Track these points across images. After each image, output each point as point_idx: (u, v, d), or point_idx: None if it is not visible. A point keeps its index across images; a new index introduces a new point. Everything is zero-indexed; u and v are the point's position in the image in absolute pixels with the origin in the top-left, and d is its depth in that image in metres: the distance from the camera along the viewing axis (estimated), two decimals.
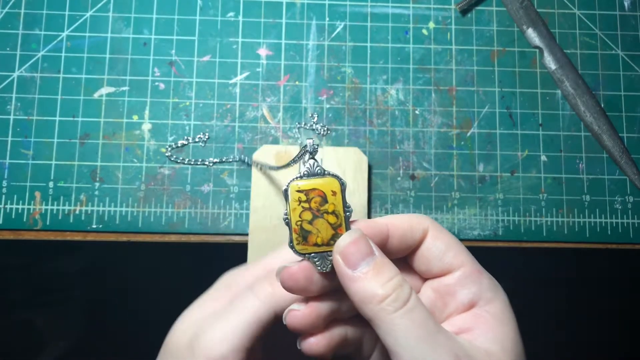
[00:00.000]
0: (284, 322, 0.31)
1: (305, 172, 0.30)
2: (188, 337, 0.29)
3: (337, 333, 0.31)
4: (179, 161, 0.52)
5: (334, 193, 0.29)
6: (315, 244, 0.29)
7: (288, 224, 0.29)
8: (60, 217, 0.50)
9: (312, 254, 0.30)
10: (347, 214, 0.30)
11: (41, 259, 0.86)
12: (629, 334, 0.89)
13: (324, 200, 0.29)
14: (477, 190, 0.53)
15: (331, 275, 0.30)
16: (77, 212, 0.50)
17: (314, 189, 0.29)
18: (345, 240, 0.29)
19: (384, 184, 0.52)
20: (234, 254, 0.47)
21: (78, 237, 0.51)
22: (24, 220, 0.50)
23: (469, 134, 0.53)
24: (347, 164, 0.50)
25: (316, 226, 0.29)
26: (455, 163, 0.53)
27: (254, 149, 0.52)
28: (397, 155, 0.53)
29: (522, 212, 0.52)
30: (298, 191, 0.29)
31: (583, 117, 0.53)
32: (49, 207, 0.50)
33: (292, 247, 0.30)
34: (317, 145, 0.30)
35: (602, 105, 0.54)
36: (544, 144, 0.54)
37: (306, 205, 0.29)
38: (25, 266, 0.87)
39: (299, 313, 0.30)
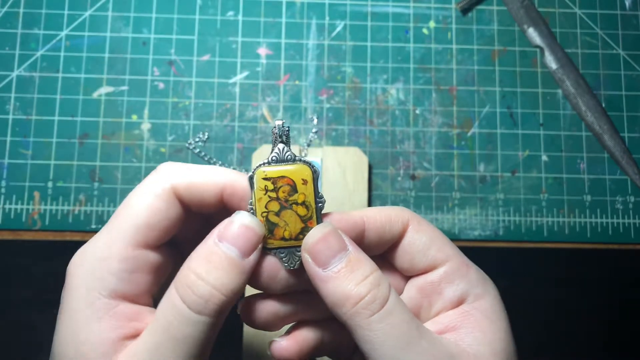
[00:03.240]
0: (237, 312, 0.29)
1: (274, 158, 0.27)
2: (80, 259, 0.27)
3: (310, 337, 0.29)
4: (201, 155, 0.51)
5: (305, 182, 0.27)
6: (283, 238, 0.27)
7: (253, 215, 0.26)
8: (59, 217, 0.50)
9: (279, 249, 0.27)
10: (319, 205, 0.27)
11: (40, 259, 0.86)
12: (629, 334, 0.88)
13: (293, 189, 0.26)
14: (478, 191, 0.52)
15: (300, 272, 0.27)
16: (76, 212, 0.50)
17: (282, 177, 0.26)
18: (314, 235, 0.26)
19: (384, 184, 0.52)
20: None
21: (77, 237, 0.50)
22: (23, 220, 0.50)
23: (469, 134, 0.53)
24: (347, 164, 0.50)
25: (284, 218, 0.26)
26: (456, 163, 0.53)
27: (253, 148, 0.52)
28: (398, 155, 0.53)
29: (523, 212, 0.52)
30: (265, 179, 0.26)
31: (584, 116, 0.53)
32: (48, 207, 0.50)
33: None
34: (288, 127, 0.27)
35: (603, 105, 0.54)
36: (544, 144, 0.53)
37: (273, 194, 0.26)
38: (24, 266, 0.87)
39: (254, 308, 0.28)
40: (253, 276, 0.27)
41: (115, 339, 0.25)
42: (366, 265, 0.26)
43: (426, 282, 0.29)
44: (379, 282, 0.25)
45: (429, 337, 0.25)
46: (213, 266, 0.24)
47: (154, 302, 0.27)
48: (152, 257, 0.27)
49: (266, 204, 0.26)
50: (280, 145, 0.27)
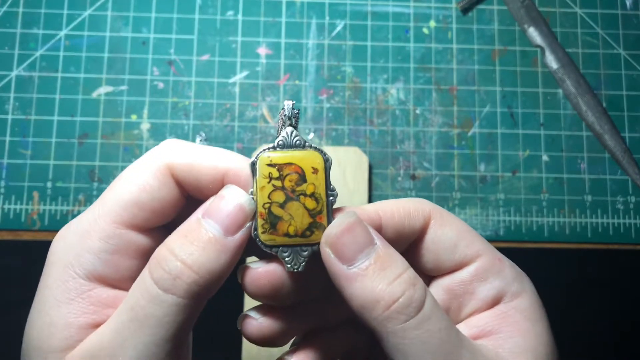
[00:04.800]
0: (238, 327, 0.25)
1: (281, 143, 0.24)
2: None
3: (321, 349, 0.26)
4: None
5: (315, 171, 0.23)
6: (287, 234, 0.23)
7: (241, 190, 0.23)
8: (58, 217, 0.50)
9: (282, 247, 0.23)
10: (331, 199, 0.23)
11: (40, 260, 0.86)
12: (630, 334, 0.88)
13: (302, 178, 0.23)
14: (478, 191, 0.52)
15: (304, 277, 0.24)
16: (75, 212, 0.50)
17: (289, 164, 0.23)
18: (338, 225, 0.22)
19: (385, 184, 0.52)
20: None
21: None
22: (22, 220, 0.50)
23: (469, 134, 0.53)
24: (347, 164, 0.50)
25: (289, 211, 0.23)
26: (456, 163, 0.53)
27: (253, 148, 0.52)
28: (398, 155, 0.53)
29: (524, 212, 0.52)
30: (269, 165, 0.23)
31: (584, 116, 0.53)
32: (47, 207, 0.50)
33: (255, 236, 0.23)
34: (298, 110, 0.24)
35: (604, 105, 0.54)
36: (545, 144, 0.53)
37: (278, 183, 0.23)
38: (24, 266, 0.87)
39: (256, 323, 0.25)
40: (256, 286, 0.24)
41: (83, 324, 0.22)
42: (398, 261, 0.22)
43: (455, 282, 0.25)
44: (414, 281, 0.22)
45: (470, 347, 0.22)
46: (188, 241, 0.22)
47: None
48: (139, 240, 0.24)
49: (270, 193, 0.23)
50: (289, 129, 0.24)
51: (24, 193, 0.50)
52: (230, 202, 0.23)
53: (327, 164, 0.24)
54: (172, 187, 0.24)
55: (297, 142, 0.24)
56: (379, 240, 0.23)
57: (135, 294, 0.22)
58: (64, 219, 0.50)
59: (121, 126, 0.52)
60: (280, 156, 0.23)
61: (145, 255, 0.24)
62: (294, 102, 0.24)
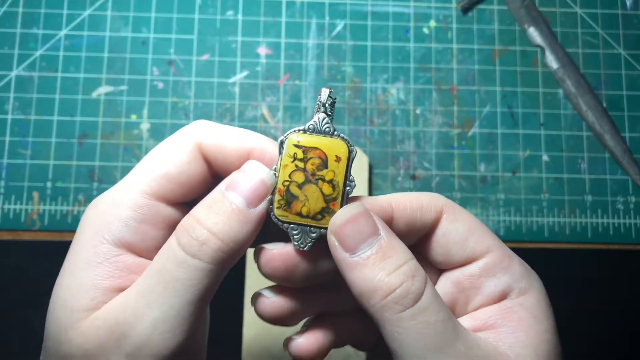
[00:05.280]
0: (251, 305, 0.27)
1: (311, 127, 0.25)
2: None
3: (330, 331, 0.27)
4: None
5: (338, 159, 0.24)
6: (299, 214, 0.24)
7: (263, 165, 0.25)
8: (58, 218, 0.50)
9: (292, 225, 0.24)
10: (348, 189, 0.25)
11: (40, 260, 0.86)
12: (630, 334, 0.88)
13: (324, 164, 0.24)
14: (479, 191, 0.52)
15: (311, 257, 0.25)
16: (75, 212, 0.50)
17: (314, 148, 0.24)
18: (342, 216, 0.23)
19: (385, 184, 0.52)
20: None
21: None
22: (22, 220, 0.50)
23: (470, 134, 0.53)
24: None
25: (305, 192, 0.24)
26: (456, 163, 0.53)
27: None
28: (398, 155, 0.52)
29: (524, 212, 0.52)
30: (296, 146, 0.24)
31: (585, 116, 0.53)
32: (47, 207, 0.50)
33: (270, 209, 0.25)
34: (335, 98, 0.25)
35: (604, 105, 0.54)
36: (545, 144, 0.53)
37: (301, 164, 0.24)
38: (23, 266, 0.87)
39: (269, 301, 0.26)
40: (270, 267, 0.25)
41: (109, 287, 0.23)
42: (400, 253, 0.23)
43: (463, 276, 0.26)
44: (414, 273, 0.23)
45: (467, 339, 0.23)
46: (213, 211, 0.23)
47: None
48: (166, 211, 0.25)
49: (291, 173, 0.24)
50: (321, 115, 0.25)
51: (24, 193, 0.50)
52: (253, 176, 0.24)
53: (351, 154, 0.25)
54: (200, 163, 0.25)
55: (327, 129, 0.25)
56: (383, 231, 0.23)
57: (162, 259, 0.23)
58: (64, 219, 0.50)
59: (121, 126, 0.52)
60: (307, 139, 0.25)
61: (171, 228, 0.25)
62: (332, 89, 0.26)
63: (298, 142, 0.25)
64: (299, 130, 0.25)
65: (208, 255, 0.23)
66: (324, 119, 0.25)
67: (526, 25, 0.55)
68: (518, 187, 0.52)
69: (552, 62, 0.54)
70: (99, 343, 0.22)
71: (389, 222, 0.25)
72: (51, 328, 0.24)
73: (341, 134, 0.25)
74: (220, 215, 0.23)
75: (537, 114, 0.54)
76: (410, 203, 0.26)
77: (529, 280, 0.25)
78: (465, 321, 0.25)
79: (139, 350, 0.22)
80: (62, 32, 0.53)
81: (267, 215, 0.25)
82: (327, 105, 0.25)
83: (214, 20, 0.54)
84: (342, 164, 0.24)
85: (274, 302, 0.26)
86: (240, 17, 0.54)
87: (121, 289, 0.24)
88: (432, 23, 0.55)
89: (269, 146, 0.25)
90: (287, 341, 0.27)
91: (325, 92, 0.25)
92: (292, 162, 0.24)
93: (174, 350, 0.22)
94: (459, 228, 0.26)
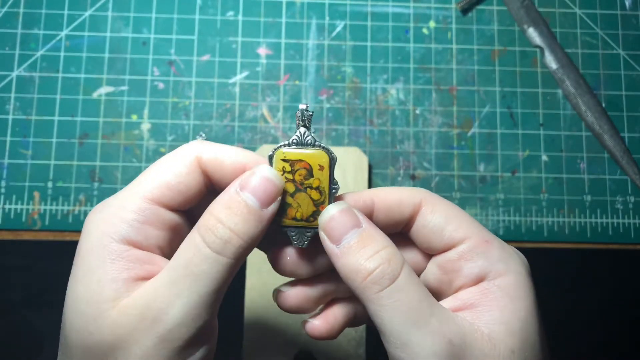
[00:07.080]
0: (273, 300, 0.31)
1: (294, 140, 0.28)
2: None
3: (341, 313, 0.31)
4: None
5: (321, 167, 0.28)
6: (294, 219, 0.28)
7: (272, 169, 0.28)
8: (59, 218, 0.50)
9: (290, 228, 0.28)
10: (333, 191, 0.28)
11: (40, 260, 0.86)
12: (629, 334, 0.88)
13: (309, 173, 0.28)
14: (478, 191, 0.52)
15: (310, 253, 0.29)
16: (76, 212, 0.50)
17: (300, 160, 0.28)
18: (328, 213, 0.27)
19: (385, 184, 0.52)
20: None
21: (77, 237, 0.50)
22: (23, 220, 0.50)
23: (469, 134, 0.53)
24: (347, 164, 0.50)
25: (297, 200, 0.28)
26: (456, 163, 0.53)
27: (253, 148, 0.52)
28: (398, 155, 0.53)
29: (523, 212, 0.52)
30: (283, 160, 0.28)
31: (584, 116, 0.53)
32: (48, 207, 0.50)
33: None
34: (312, 112, 0.29)
35: (603, 105, 0.54)
36: (545, 144, 0.53)
37: (290, 176, 0.28)
38: (24, 266, 0.87)
39: (286, 294, 0.30)
40: (280, 263, 0.29)
41: (129, 278, 0.26)
42: (378, 241, 0.26)
43: (445, 260, 0.29)
44: (390, 257, 0.26)
45: (441, 315, 0.25)
46: (233, 212, 0.26)
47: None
48: (166, 215, 0.28)
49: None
50: (302, 129, 0.28)
51: (25, 193, 0.50)
52: (265, 178, 0.27)
53: (332, 162, 0.28)
54: (198, 175, 0.28)
55: (308, 141, 0.28)
56: (365, 223, 0.27)
57: (187, 254, 0.26)
58: (65, 219, 0.50)
59: (121, 126, 0.52)
60: (293, 152, 0.28)
61: (171, 229, 0.28)
62: (307, 105, 0.29)
63: (285, 156, 0.28)
64: (285, 144, 0.28)
65: (231, 252, 0.26)
66: (305, 132, 0.28)
67: (525, 25, 0.55)
68: (517, 187, 0.53)
69: (552, 63, 0.54)
70: (131, 328, 0.25)
71: (370, 215, 0.29)
72: (76, 322, 0.26)
73: (321, 144, 0.28)
74: (239, 216, 0.26)
75: (537, 114, 0.54)
76: (390, 198, 0.29)
77: (506, 264, 0.28)
78: (449, 301, 0.28)
79: (170, 333, 0.25)
80: (63, 33, 0.53)
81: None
82: (305, 119, 0.28)
83: (214, 21, 0.54)
84: (325, 172, 0.28)
85: (289, 294, 0.30)
86: (240, 17, 0.54)
87: (140, 278, 0.26)
88: (432, 23, 0.55)
89: (261, 161, 0.28)
90: (304, 323, 0.31)
91: (302, 109, 0.28)
92: (282, 174, 0.28)
93: (199, 330, 0.26)
94: (435, 220, 0.29)
